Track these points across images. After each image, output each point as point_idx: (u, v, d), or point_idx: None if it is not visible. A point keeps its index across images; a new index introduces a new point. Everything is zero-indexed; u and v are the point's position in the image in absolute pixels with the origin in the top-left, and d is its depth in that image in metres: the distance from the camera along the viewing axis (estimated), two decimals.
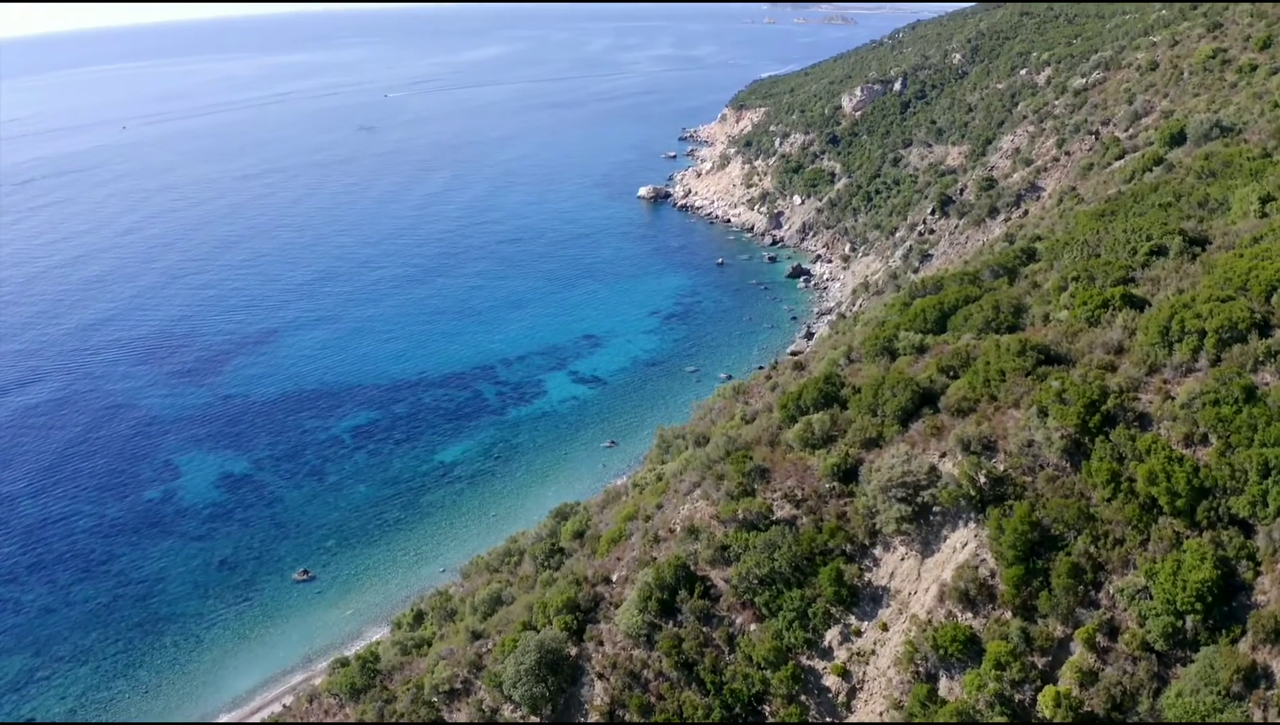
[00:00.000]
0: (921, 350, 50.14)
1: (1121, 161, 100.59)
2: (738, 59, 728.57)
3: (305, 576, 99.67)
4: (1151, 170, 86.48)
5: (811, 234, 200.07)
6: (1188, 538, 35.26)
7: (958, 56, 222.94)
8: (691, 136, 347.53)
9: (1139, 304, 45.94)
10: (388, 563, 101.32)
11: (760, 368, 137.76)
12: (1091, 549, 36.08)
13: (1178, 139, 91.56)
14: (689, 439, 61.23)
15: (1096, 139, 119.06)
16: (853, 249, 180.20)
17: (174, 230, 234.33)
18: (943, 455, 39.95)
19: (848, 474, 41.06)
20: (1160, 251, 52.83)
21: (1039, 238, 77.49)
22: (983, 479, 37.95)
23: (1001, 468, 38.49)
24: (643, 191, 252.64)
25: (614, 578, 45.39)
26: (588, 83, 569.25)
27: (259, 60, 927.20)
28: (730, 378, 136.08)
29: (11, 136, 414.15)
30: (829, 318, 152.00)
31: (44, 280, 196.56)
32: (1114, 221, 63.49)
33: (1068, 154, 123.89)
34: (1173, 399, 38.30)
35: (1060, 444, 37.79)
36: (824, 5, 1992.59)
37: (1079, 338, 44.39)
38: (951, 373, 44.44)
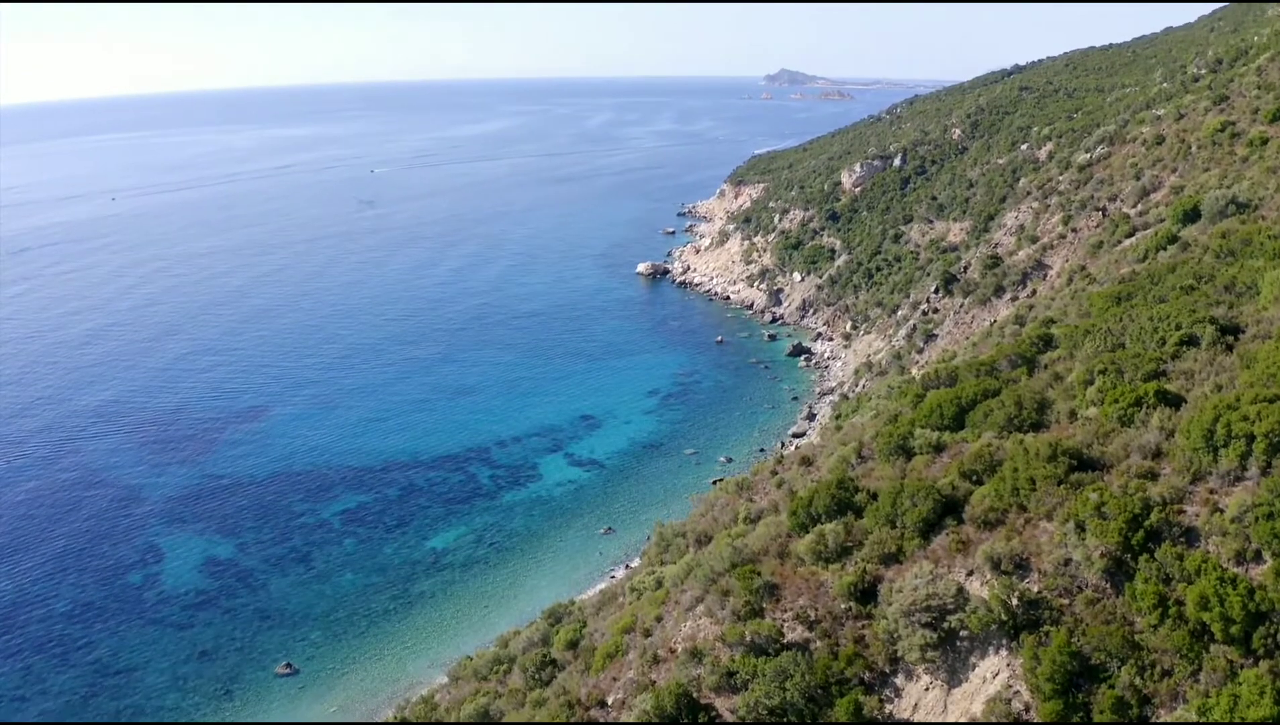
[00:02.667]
0: (939, 449, 46.76)
1: (1133, 239, 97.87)
2: (735, 134, 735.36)
3: (288, 670, 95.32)
4: (1165, 249, 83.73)
5: (812, 311, 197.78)
6: (1244, 668, 31.58)
7: (957, 132, 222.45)
8: (690, 212, 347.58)
9: (1174, 401, 42.63)
10: (374, 656, 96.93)
11: (761, 451, 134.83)
12: (1137, 681, 32.28)
13: (1191, 216, 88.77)
14: (689, 538, 57.69)
15: (1104, 216, 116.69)
16: (854, 327, 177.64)
17: (164, 304, 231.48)
18: (970, 574, 36.38)
19: (865, 593, 37.45)
20: (1191, 341, 49.64)
21: (1052, 321, 74.60)
22: (1015, 602, 34.33)
23: (1036, 589, 34.88)
24: (641, 268, 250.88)
25: (609, 700, 41.57)
26: (588, 158, 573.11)
27: (259, 132, 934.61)
28: (730, 461, 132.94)
29: (5, 205, 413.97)
30: (831, 398, 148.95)
31: (28, 352, 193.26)
32: (1135, 306, 60.52)
33: (1074, 231, 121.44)
34: (1221, 512, 34.80)
35: (1101, 564, 34.22)
36: (820, 81, 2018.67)
37: (1112, 439, 41.01)
38: (975, 478, 41.01)
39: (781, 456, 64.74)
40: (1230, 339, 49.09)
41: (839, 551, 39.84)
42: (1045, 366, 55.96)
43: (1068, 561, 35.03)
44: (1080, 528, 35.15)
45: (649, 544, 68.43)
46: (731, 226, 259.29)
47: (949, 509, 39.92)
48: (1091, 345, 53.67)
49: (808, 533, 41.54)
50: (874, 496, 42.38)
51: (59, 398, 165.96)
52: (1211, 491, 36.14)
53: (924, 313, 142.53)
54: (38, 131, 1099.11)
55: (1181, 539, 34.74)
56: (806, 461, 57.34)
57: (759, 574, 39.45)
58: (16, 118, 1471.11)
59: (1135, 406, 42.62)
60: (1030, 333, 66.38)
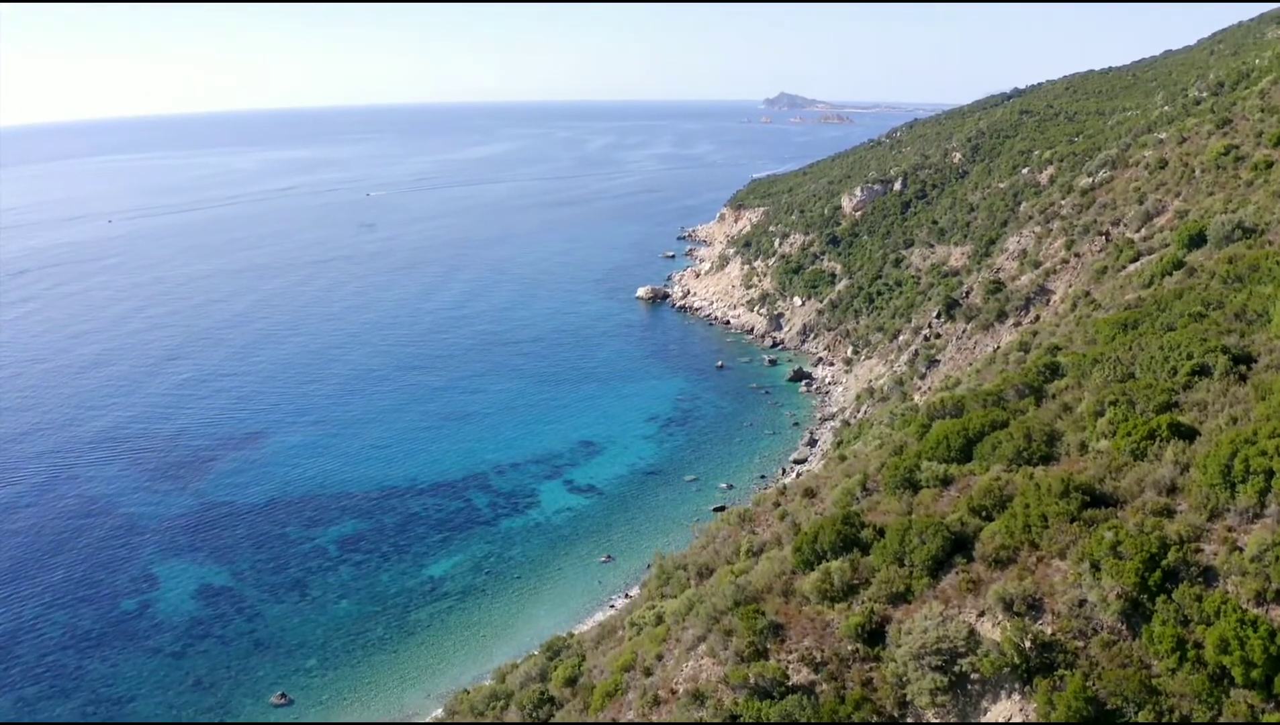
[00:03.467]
0: (946, 482, 45.64)
1: (1137, 265, 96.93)
2: (735, 158, 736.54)
3: (283, 700, 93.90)
4: (1171, 274, 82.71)
5: (812, 336, 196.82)
6: (1265, 713, 30.45)
7: (958, 155, 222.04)
8: (690, 236, 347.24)
9: (1188, 434, 41.59)
10: (370, 686, 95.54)
11: (762, 477, 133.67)
12: None
13: (1197, 240, 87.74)
14: (690, 570, 56.48)
15: (1107, 240, 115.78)
16: (855, 352, 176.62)
17: (164, 328, 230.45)
18: (981, 614, 35.22)
19: (873, 634, 36.27)
20: (1203, 371, 48.63)
21: (1057, 347, 73.57)
22: (1028, 644, 33.17)
23: (1049, 631, 33.73)
24: (641, 292, 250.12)
25: None
26: (588, 181, 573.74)
27: (261, 154, 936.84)
28: (731, 487, 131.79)
29: (4, 226, 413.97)
30: (832, 424, 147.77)
31: (27, 377, 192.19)
32: (1143, 334, 59.52)
33: (1077, 255, 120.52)
34: (1240, 550, 33.71)
35: (1117, 605, 33.08)
36: (819, 104, 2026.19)
37: (1125, 474, 39.93)
38: (985, 514, 39.90)
39: (784, 487, 63.53)
40: (1243, 368, 48.12)
41: (845, 590, 38.67)
42: (1053, 396, 54.90)
43: (1082, 602, 33.91)
44: (1095, 567, 34.05)
45: (649, 575, 67.17)
46: (731, 251, 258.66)
47: (958, 546, 38.78)
48: (1101, 375, 52.63)
49: (813, 570, 40.36)
50: (881, 533, 41.24)
51: (57, 423, 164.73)
52: (1230, 529, 35.08)
53: (926, 338, 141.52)
54: (41, 153, 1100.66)
55: (1199, 579, 33.64)
56: (810, 493, 56.18)
57: (763, 614, 38.26)
58: (18, 138, 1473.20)
59: (1148, 439, 41.58)
60: (1036, 361, 65.31)
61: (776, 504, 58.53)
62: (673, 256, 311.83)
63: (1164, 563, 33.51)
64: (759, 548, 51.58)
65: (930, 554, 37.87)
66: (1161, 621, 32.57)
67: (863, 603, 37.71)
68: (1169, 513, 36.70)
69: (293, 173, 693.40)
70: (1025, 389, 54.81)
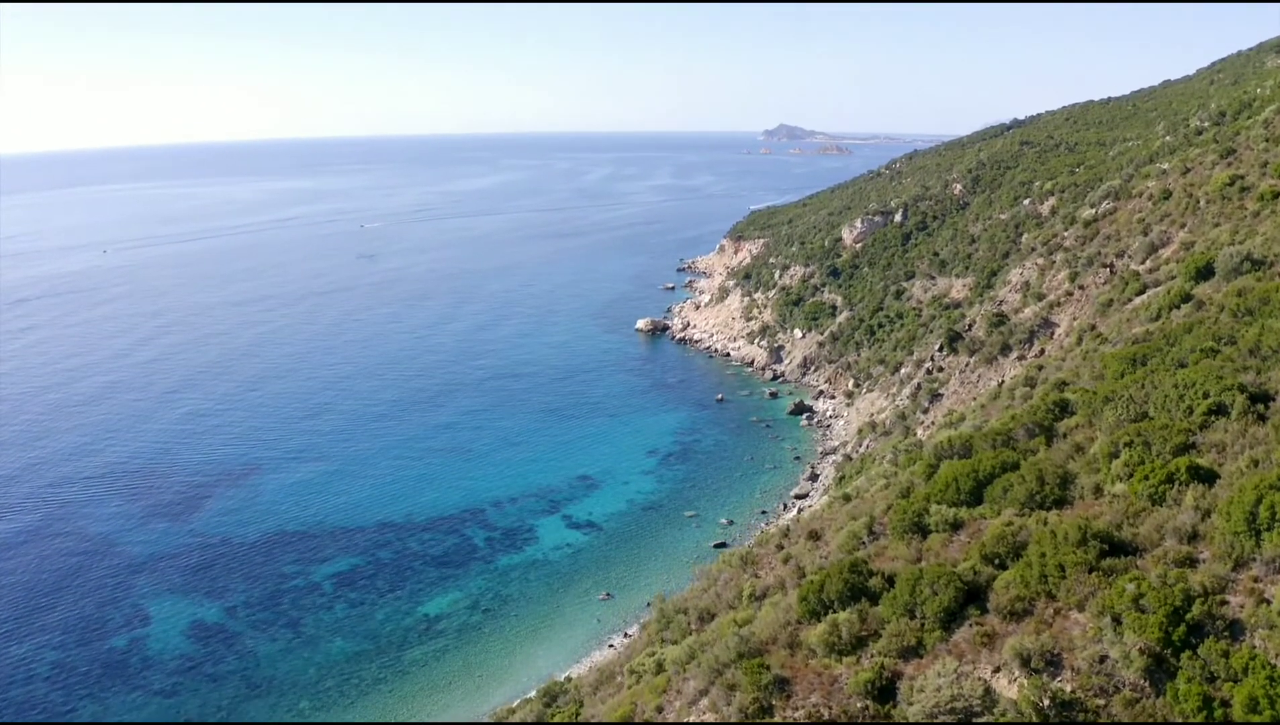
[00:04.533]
0: (956, 527, 44.05)
1: (1144, 297, 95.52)
2: (734, 189, 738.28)
3: None
4: (1179, 307, 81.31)
5: (813, 368, 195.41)
6: None
7: (959, 187, 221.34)
8: (690, 267, 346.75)
9: (1208, 477, 40.06)
10: None
11: (763, 512, 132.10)
12: None
13: (1204, 273, 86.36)
14: (691, 614, 54.78)
15: (1112, 272, 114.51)
16: (856, 384, 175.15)
17: (160, 357, 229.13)
18: (996, 670, 33.55)
19: (884, 691, 34.56)
20: (1220, 410, 47.10)
21: (1065, 383, 72.12)
22: (1047, 703, 31.51)
23: (1069, 689, 32.05)
24: (640, 324, 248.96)
25: None
26: (587, 213, 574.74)
27: (261, 185, 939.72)
28: (731, 523, 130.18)
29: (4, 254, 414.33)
30: (834, 458, 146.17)
31: (23, 405, 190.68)
32: (1154, 370, 58.03)
33: (1081, 287, 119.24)
34: (1268, 603, 32.10)
35: (1140, 661, 31.41)
36: (818, 136, 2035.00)
37: (1143, 520, 38.41)
38: (998, 562, 38.31)
39: (787, 528, 61.93)
40: (1261, 408, 46.57)
41: (854, 643, 36.99)
42: (1064, 435, 53.39)
43: (1103, 658, 32.25)
44: (1116, 621, 32.42)
45: (648, 619, 65.42)
46: (731, 282, 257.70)
47: (971, 597, 37.13)
48: (1113, 414, 51.10)
49: (819, 621, 38.66)
50: (890, 581, 39.57)
51: (56, 457, 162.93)
52: (1256, 580, 33.47)
53: (928, 371, 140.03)
54: (40, 181, 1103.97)
55: (1225, 633, 32.00)
56: (814, 535, 54.54)
57: (768, 668, 36.57)
58: (18, 167, 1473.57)
59: (1167, 483, 40.07)
60: (1045, 398, 63.83)
61: (780, 546, 56.88)
62: (672, 288, 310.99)
63: (1188, 616, 31.91)
64: (762, 592, 49.96)
65: (942, 605, 36.24)
66: (1187, 679, 30.94)
67: (872, 657, 36.05)
68: (1192, 562, 35.13)
69: (294, 203, 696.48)
70: (1035, 428, 53.30)
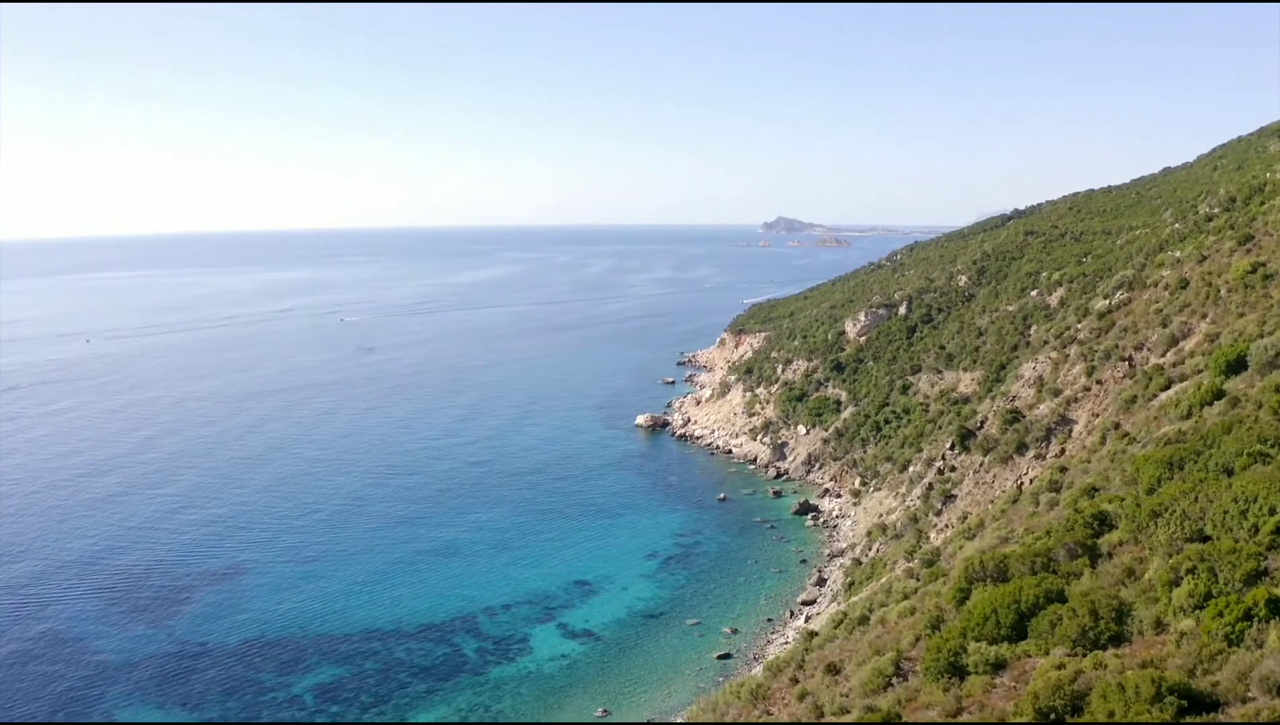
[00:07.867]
0: (998, 667, 38.38)
1: (1170, 392, 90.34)
2: (734, 282, 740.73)
3: None
4: (1211, 404, 76.05)
5: (818, 466, 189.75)
6: None
7: (963, 278, 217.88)
8: (690, 361, 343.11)
9: None
10: None
11: (769, 620, 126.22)
12: None
13: (1235, 366, 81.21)
14: None
15: (1131, 366, 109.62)
16: (863, 483, 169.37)
17: (144, 451, 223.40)
18: None
19: None
20: None
21: (1095, 488, 66.80)
22: None
23: None
24: (640, 420, 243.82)
25: None
26: (587, 305, 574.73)
27: (260, 275, 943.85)
28: (736, 632, 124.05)
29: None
30: (841, 561, 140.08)
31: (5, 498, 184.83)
32: (1200, 478, 52.64)
33: (1099, 382, 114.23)
34: None
35: None
36: (817, 228, 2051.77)
37: (1220, 665, 32.83)
38: (1056, 718, 32.62)
39: (802, 660, 55.95)
40: None
41: None
42: (1109, 554, 47.88)
43: None
44: None
45: None
46: (733, 377, 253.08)
47: None
48: (1165, 532, 45.62)
49: None
50: None
51: (32, 551, 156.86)
52: None
53: (939, 471, 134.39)
54: (37, 268, 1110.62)
55: None
56: (833, 669, 48.63)
57: None
58: (14, 253, 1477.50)
59: (1244, 621, 34.56)
60: (1078, 507, 58.45)
61: (794, 679, 51.00)
62: (672, 382, 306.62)
63: None
64: None
65: None
66: None
67: None
68: None
69: (293, 294, 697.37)
70: (1076, 548, 47.79)
